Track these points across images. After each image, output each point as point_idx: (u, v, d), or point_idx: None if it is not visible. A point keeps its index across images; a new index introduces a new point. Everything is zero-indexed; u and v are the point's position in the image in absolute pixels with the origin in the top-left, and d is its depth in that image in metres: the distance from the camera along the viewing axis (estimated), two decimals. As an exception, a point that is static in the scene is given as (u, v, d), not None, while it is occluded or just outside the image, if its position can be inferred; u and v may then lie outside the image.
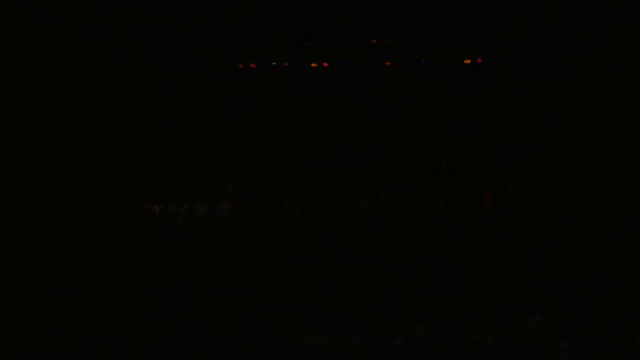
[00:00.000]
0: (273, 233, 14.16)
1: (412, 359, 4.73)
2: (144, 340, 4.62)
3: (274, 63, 15.79)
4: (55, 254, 12.30)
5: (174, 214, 13.11)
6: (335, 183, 14.50)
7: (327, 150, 15.45)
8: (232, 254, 13.27)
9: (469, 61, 14.87)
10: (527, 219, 13.24)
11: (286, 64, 15.73)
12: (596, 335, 5.77)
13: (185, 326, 5.51)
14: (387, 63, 15.34)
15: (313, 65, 15.70)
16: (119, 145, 15.06)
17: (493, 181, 13.68)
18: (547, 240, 12.24)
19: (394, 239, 13.28)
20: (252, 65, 15.79)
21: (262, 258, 13.58)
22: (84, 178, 14.27)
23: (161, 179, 14.25)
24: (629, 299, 8.49)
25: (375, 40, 15.22)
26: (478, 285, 10.38)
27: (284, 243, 13.78)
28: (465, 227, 13.33)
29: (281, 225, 13.77)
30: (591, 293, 8.81)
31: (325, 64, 15.69)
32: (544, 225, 13.10)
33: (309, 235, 13.81)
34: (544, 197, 13.64)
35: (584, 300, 8.22)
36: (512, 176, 13.65)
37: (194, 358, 4.44)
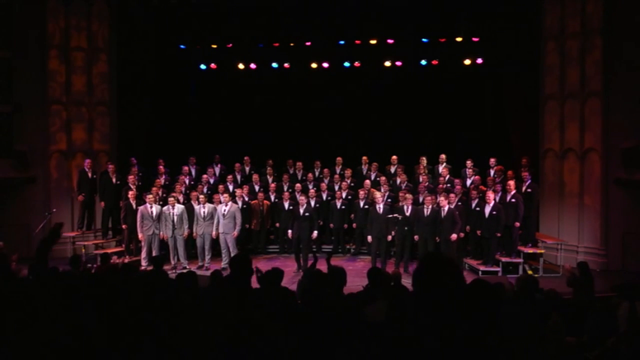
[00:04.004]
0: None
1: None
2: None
3: (274, 64, 15.81)
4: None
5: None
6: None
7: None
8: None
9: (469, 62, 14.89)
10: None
11: (286, 64, 15.75)
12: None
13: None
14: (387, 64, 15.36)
15: (313, 65, 15.73)
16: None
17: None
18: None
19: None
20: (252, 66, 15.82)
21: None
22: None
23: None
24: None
25: (375, 40, 15.23)
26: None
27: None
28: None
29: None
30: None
31: (326, 64, 15.71)
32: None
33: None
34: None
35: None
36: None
37: None
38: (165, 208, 12.62)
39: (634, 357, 5.22)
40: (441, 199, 12.07)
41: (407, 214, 12.24)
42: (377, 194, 12.47)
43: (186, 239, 12.77)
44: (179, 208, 12.68)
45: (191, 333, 3.84)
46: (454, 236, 11.83)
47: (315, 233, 12.53)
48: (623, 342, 5.15)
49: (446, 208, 11.92)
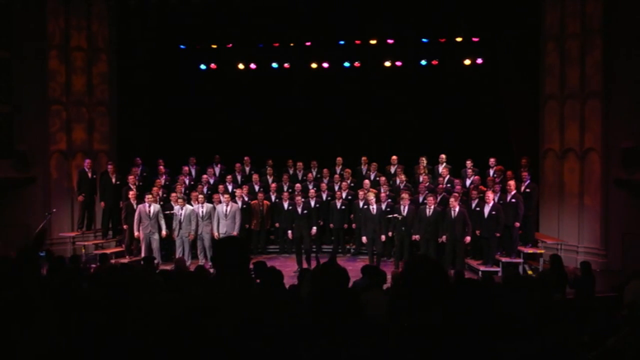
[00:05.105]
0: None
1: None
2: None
3: (274, 64, 15.78)
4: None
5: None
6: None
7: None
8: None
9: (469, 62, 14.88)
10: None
11: (286, 64, 15.73)
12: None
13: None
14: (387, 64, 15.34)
15: (313, 65, 15.71)
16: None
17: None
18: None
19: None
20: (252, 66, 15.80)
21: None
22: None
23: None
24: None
25: (375, 40, 15.21)
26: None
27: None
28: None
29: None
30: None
31: (326, 64, 15.69)
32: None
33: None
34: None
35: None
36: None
37: None
38: (176, 209, 12.71)
39: (634, 357, 5.21)
40: (452, 200, 12.02)
41: (404, 213, 12.25)
42: (370, 195, 12.50)
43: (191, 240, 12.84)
44: (187, 208, 12.75)
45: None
46: (468, 239, 11.91)
47: (314, 229, 12.68)
48: (623, 340, 5.16)
49: (457, 209, 11.90)
